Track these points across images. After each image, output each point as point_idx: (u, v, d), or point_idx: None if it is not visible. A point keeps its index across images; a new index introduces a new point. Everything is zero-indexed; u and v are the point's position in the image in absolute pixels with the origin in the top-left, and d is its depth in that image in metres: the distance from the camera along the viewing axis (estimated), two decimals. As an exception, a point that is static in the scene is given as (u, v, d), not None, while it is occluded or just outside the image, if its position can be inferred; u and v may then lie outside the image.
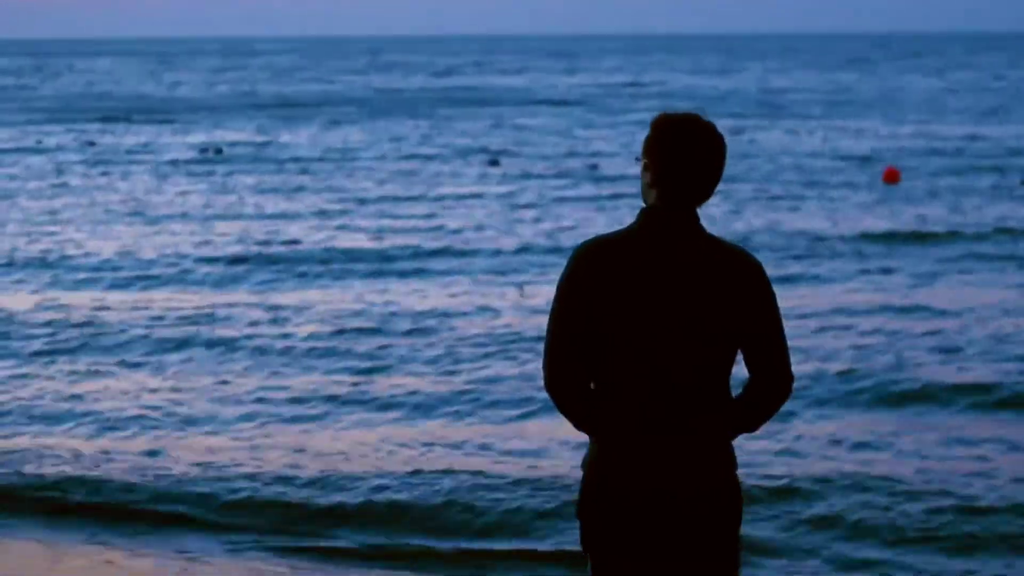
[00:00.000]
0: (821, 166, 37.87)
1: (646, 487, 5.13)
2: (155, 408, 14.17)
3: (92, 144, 46.45)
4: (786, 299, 16.92)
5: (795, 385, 5.55)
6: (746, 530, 6.98)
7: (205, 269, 22.57)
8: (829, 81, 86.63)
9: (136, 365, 16.16)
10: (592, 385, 5.21)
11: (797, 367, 8.06)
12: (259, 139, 47.98)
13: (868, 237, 25.12)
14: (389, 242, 25.10)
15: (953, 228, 26.25)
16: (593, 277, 5.11)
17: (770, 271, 5.68)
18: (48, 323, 18.32)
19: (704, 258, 5.13)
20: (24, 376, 15.59)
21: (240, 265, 22.85)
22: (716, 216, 26.95)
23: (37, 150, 44.95)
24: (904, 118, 54.30)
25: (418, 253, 23.96)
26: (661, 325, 5.10)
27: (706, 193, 5.16)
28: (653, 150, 5.11)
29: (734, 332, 5.14)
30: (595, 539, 5.22)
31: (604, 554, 5.22)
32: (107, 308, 19.32)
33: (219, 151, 43.45)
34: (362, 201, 31.41)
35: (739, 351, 5.20)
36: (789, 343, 5.30)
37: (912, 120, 53.37)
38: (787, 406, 10.97)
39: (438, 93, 72.71)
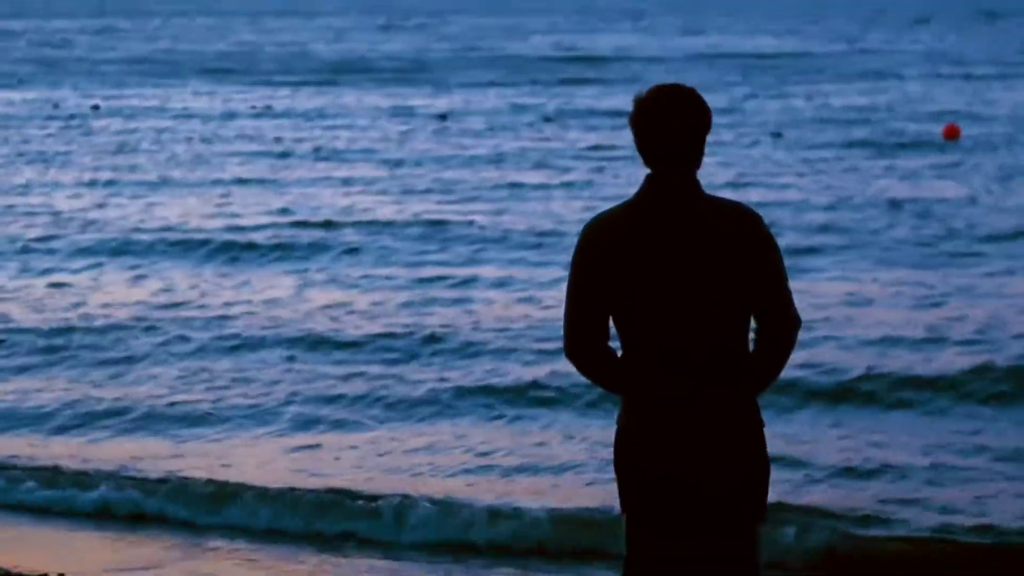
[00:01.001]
0: None
1: (662, 468, 5.34)
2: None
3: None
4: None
5: None
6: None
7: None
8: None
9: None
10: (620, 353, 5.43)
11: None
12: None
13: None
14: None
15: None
16: (599, 250, 5.33)
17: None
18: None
19: (701, 220, 5.29)
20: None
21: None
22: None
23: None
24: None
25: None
26: (666, 294, 5.29)
27: (688, 157, 5.30)
28: (632, 126, 5.35)
29: (739, 289, 5.29)
30: (626, 501, 5.47)
31: (634, 517, 5.46)
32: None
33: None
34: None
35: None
36: None
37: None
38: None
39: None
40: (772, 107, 41.43)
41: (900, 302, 16.83)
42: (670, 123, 5.28)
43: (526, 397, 13.24)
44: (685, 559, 5.41)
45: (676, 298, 5.27)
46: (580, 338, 5.38)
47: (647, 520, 5.40)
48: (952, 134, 33.67)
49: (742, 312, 5.31)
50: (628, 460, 5.39)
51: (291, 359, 14.53)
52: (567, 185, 27.07)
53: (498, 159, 31.09)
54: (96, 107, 43.23)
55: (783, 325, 5.37)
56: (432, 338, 15.16)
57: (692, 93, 5.32)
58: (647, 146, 5.32)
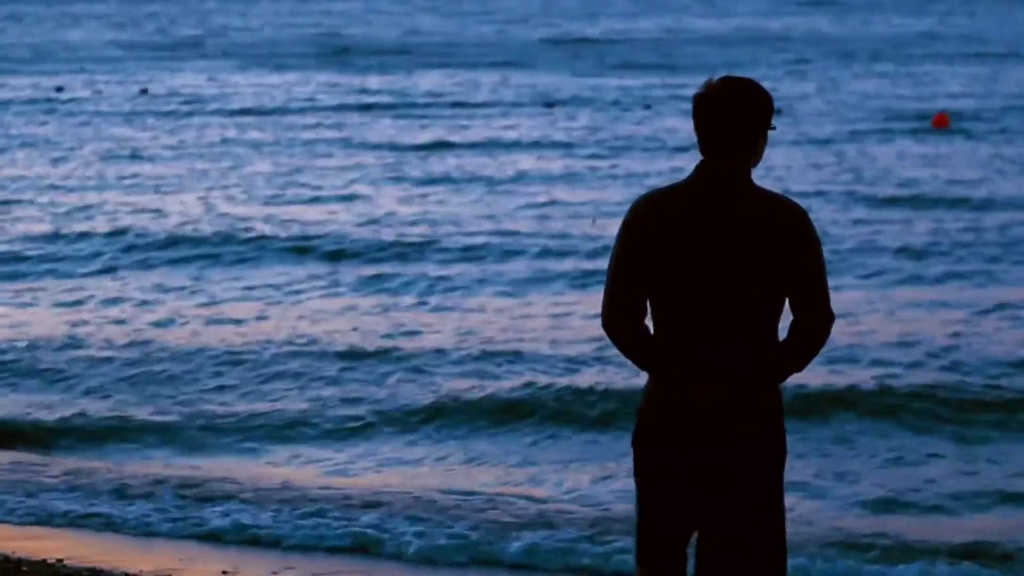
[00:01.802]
0: None
1: (668, 442, 5.53)
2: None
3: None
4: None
5: None
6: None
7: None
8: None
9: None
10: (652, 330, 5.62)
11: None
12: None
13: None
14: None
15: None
16: (645, 228, 5.51)
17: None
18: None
19: (743, 209, 5.48)
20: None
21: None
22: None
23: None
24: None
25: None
26: (702, 278, 5.46)
27: (738, 146, 5.51)
28: (692, 112, 5.59)
29: (776, 281, 5.46)
30: (641, 473, 5.64)
31: (647, 490, 5.63)
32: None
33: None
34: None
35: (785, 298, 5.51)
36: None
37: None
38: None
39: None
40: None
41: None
42: (722, 112, 5.49)
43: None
44: (694, 536, 5.63)
45: (709, 284, 5.46)
46: (618, 312, 5.57)
47: (656, 495, 5.60)
48: (941, 123, 34.06)
49: (775, 304, 5.51)
50: (642, 435, 5.59)
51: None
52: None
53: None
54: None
55: (818, 321, 5.54)
56: None
57: (751, 85, 5.53)
58: (700, 132, 5.55)
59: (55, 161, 30.57)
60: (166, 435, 12.86)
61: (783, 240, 5.46)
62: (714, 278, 5.46)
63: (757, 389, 5.51)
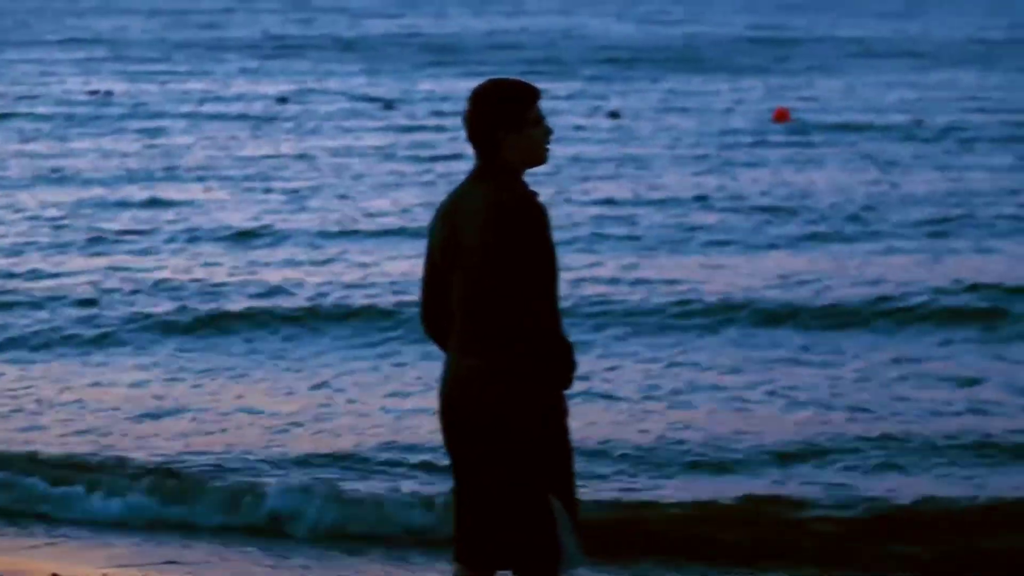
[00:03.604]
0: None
1: (442, 417, 5.97)
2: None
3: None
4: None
5: None
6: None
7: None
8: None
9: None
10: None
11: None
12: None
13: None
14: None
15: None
16: (433, 221, 5.99)
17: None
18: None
19: (481, 202, 5.80)
20: None
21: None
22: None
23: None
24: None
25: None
26: (453, 267, 5.87)
27: (485, 146, 5.85)
28: None
29: (502, 274, 5.73)
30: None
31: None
32: None
33: None
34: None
35: (521, 288, 5.72)
36: None
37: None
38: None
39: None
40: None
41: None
42: (469, 114, 5.88)
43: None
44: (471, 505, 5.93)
45: (457, 272, 5.86)
46: (423, 306, 6.11)
47: (449, 452, 6.01)
48: (782, 117, 33.88)
49: (506, 294, 5.75)
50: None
51: None
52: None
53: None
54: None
55: (531, 318, 5.72)
56: None
57: (490, 86, 5.88)
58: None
59: None
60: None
61: (502, 238, 5.71)
62: (459, 267, 5.83)
63: (492, 371, 5.76)
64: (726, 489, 10.41)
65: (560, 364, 5.78)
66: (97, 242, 20.26)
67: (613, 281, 17.24)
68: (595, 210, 22.32)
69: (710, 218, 21.63)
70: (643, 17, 78.54)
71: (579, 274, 17.24)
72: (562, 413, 5.86)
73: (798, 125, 33.04)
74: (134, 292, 16.96)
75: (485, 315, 5.79)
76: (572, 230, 20.01)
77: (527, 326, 5.72)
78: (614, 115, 35.51)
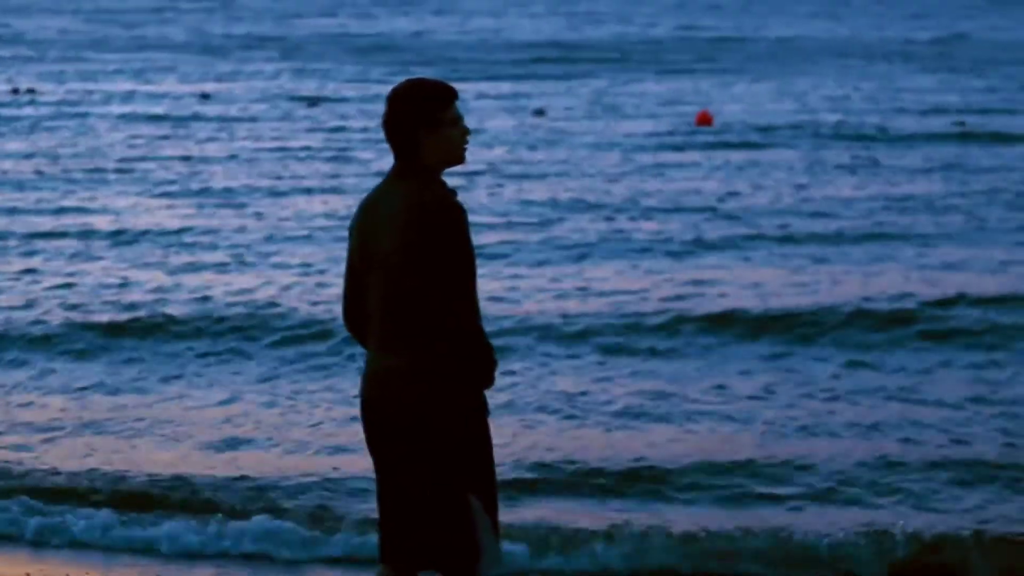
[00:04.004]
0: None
1: (363, 414, 5.96)
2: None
3: None
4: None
5: None
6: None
7: None
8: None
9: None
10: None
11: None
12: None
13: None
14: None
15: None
16: (353, 223, 5.98)
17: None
18: None
19: (401, 203, 5.80)
20: None
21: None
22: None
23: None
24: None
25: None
26: (372, 266, 5.86)
27: (398, 144, 5.88)
28: None
29: (420, 272, 5.74)
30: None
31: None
32: None
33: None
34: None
35: (442, 288, 5.74)
36: None
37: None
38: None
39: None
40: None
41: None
42: (385, 113, 5.92)
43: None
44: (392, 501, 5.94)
45: (376, 271, 5.86)
46: (345, 303, 6.13)
47: (370, 451, 6.01)
48: (704, 121, 33.87)
49: (426, 296, 5.76)
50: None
51: None
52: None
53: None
54: None
55: (452, 318, 5.74)
56: None
57: (404, 86, 5.92)
58: None
59: None
60: None
61: (420, 237, 5.72)
62: (378, 267, 5.83)
63: (414, 371, 5.76)
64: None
65: (481, 364, 5.79)
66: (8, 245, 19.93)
67: (531, 291, 16.97)
68: (514, 213, 22.14)
69: (627, 223, 21.47)
70: (573, 17, 78.57)
71: (497, 281, 17.01)
72: (483, 413, 5.86)
73: (721, 128, 33.05)
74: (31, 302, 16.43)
75: (405, 315, 5.77)
76: (489, 233, 19.83)
77: (449, 326, 5.72)
78: (539, 113, 35.49)
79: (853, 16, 79.55)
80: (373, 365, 5.90)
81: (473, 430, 5.85)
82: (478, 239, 6.01)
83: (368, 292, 5.91)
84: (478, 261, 5.89)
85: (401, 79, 6.05)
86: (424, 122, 5.82)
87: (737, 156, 28.81)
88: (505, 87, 42.56)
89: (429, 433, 5.78)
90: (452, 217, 5.74)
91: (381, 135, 6.07)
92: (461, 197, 5.94)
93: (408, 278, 5.76)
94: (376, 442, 5.93)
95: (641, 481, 10.66)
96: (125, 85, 43.39)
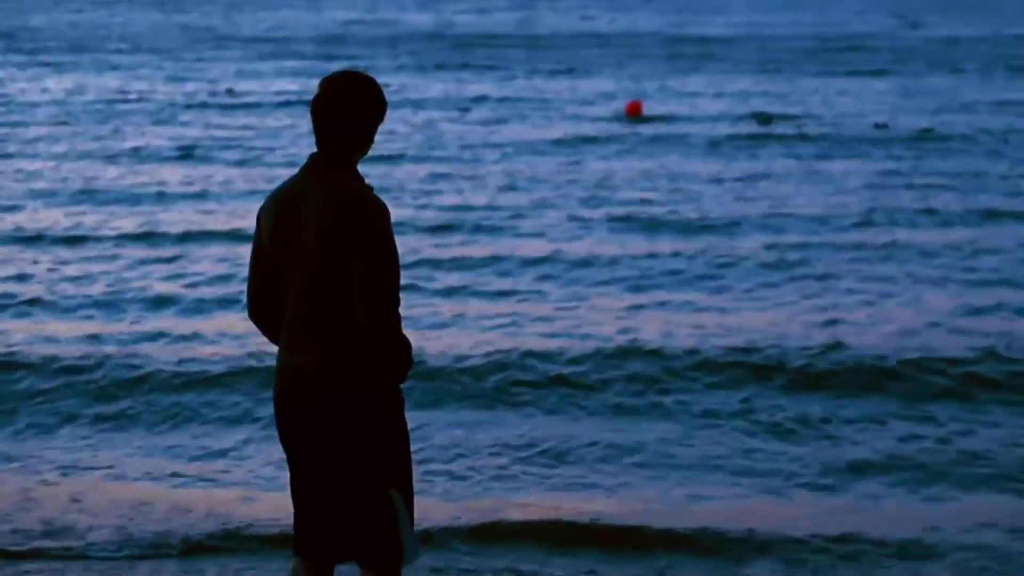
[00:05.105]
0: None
1: (276, 404, 5.91)
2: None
3: None
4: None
5: None
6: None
7: None
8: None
9: None
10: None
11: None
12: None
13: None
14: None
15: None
16: (263, 213, 5.91)
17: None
18: None
19: (323, 198, 5.76)
20: None
21: None
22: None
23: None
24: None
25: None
26: (288, 259, 5.81)
27: (340, 134, 5.81)
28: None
29: (341, 271, 5.71)
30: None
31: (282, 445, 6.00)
32: None
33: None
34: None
35: (364, 283, 5.71)
36: None
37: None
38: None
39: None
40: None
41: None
42: (336, 101, 5.82)
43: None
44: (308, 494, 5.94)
45: (292, 264, 5.81)
46: (251, 298, 6.02)
47: (284, 445, 5.98)
48: (635, 111, 33.71)
49: (346, 291, 5.73)
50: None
51: None
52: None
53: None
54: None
55: (369, 317, 5.71)
56: None
57: (364, 79, 5.85)
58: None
59: None
60: None
61: (344, 235, 5.68)
62: (298, 261, 5.78)
63: (331, 365, 5.74)
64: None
65: (398, 360, 5.77)
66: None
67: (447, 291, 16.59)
68: (433, 212, 21.63)
69: (556, 217, 21.21)
70: (511, 7, 78.42)
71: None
72: (400, 407, 5.84)
73: (651, 118, 32.99)
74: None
75: (324, 310, 5.75)
76: (407, 231, 19.52)
77: (368, 322, 5.70)
78: (464, 110, 35.46)
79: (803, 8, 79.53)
80: (288, 360, 5.85)
81: (390, 424, 5.84)
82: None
83: (283, 287, 5.87)
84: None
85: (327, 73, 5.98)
86: (380, 118, 5.87)
87: (665, 147, 28.72)
88: (439, 79, 42.28)
89: (347, 428, 5.77)
90: (376, 213, 5.71)
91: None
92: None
93: (328, 273, 5.73)
94: (290, 436, 5.89)
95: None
96: (50, 82, 42.94)
